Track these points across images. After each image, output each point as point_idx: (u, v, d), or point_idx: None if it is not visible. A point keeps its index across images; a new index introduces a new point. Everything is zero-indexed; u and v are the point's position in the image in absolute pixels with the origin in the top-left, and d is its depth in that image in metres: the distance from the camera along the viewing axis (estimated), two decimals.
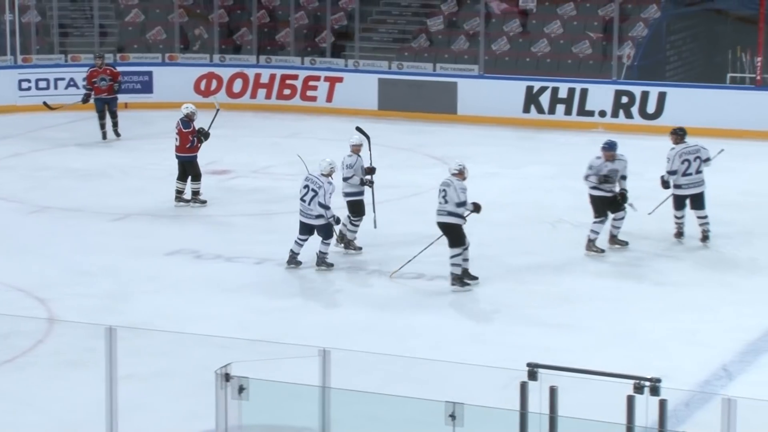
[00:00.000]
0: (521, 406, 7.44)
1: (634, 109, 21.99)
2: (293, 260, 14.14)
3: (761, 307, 12.57)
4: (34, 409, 10.21)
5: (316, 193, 13.91)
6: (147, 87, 25.02)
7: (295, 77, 24.83)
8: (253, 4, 25.97)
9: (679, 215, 14.95)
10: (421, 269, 13.88)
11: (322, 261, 14.09)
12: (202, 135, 16.86)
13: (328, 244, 14.09)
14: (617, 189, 14.50)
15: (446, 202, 13.42)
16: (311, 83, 24.71)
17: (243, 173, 18.92)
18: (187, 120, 16.85)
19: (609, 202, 14.53)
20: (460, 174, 13.50)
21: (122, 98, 22.66)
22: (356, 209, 14.76)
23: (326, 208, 13.86)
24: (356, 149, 14.83)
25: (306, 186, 14.06)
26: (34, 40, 25.40)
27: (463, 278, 13.36)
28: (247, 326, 12.05)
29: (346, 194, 14.76)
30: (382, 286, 13.62)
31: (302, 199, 14.05)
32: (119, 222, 16.09)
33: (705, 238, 14.83)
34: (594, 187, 14.51)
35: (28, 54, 25.11)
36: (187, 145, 16.80)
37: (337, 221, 14.07)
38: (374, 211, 14.95)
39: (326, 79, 24.59)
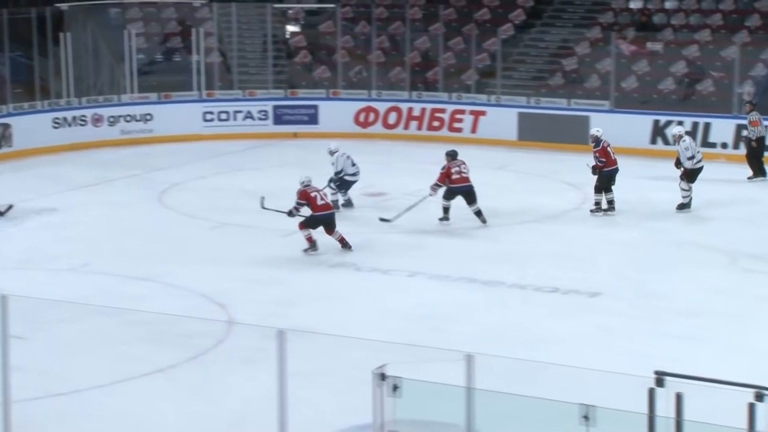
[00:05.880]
0: (649, 410, 7.28)
1: None
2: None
3: None
4: (214, 400, 10.38)
5: None
6: (313, 119, 25.39)
7: (443, 111, 24.88)
8: (406, 46, 26.10)
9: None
10: (557, 284, 13.74)
11: None
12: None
13: None
14: None
15: None
16: (457, 116, 24.71)
17: (397, 195, 18.95)
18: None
19: None
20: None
21: (291, 128, 22.88)
22: None
23: None
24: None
25: None
26: (216, 77, 26.01)
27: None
28: (401, 332, 12.02)
29: None
30: (519, 298, 13.49)
31: None
32: (287, 238, 16.09)
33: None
34: None
35: (212, 89, 25.71)
36: None
37: None
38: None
39: (471, 112, 24.57)
